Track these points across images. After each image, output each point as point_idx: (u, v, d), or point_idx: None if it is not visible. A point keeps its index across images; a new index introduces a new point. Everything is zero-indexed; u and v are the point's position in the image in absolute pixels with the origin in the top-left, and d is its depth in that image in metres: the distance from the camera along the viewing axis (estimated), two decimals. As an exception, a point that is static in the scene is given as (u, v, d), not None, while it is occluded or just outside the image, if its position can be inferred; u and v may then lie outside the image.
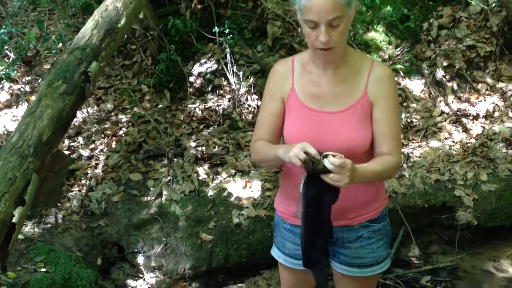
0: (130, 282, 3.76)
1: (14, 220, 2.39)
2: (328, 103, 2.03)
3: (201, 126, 4.56)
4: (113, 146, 4.32)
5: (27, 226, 3.60)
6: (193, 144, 4.35)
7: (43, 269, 3.20)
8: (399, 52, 4.99)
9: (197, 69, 4.81)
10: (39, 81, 4.83)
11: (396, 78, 4.65)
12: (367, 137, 2.02)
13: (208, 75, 4.76)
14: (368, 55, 4.70)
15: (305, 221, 1.95)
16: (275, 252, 2.35)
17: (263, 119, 2.15)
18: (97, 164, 4.19)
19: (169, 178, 4.06)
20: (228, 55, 4.66)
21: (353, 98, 2.01)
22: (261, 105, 2.18)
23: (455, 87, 4.82)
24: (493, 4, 4.85)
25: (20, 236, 3.41)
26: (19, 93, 4.80)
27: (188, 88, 4.76)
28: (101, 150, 4.30)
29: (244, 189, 4.00)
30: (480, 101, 4.70)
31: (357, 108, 2.01)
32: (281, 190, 2.29)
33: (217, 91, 4.74)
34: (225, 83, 4.73)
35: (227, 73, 4.67)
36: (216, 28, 4.68)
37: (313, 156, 1.82)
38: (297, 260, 2.21)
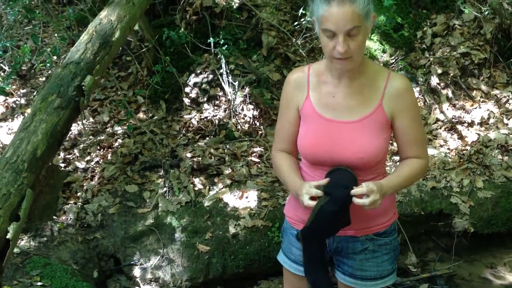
0: (127, 294, 3.76)
1: (8, 236, 2.38)
2: (342, 113, 2.04)
3: (197, 137, 4.56)
4: (109, 158, 4.32)
5: (23, 239, 3.59)
6: (189, 154, 4.35)
7: (39, 283, 3.19)
8: (393, 61, 5.01)
9: (192, 79, 4.82)
10: (34, 94, 4.83)
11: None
12: (380, 148, 2.02)
13: (203, 86, 4.78)
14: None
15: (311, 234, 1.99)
16: (281, 258, 2.34)
17: (281, 127, 2.19)
18: (93, 176, 4.19)
19: (165, 189, 4.06)
20: (223, 65, 4.67)
21: (367, 110, 2.02)
22: (278, 112, 2.22)
23: (450, 94, 4.83)
24: (486, 12, 4.87)
25: (16, 250, 3.40)
26: (14, 106, 4.80)
27: (184, 99, 4.77)
28: (97, 162, 4.30)
29: (240, 200, 4.00)
30: (475, 108, 4.72)
31: (371, 119, 2.01)
32: (291, 196, 2.29)
33: (212, 102, 4.75)
34: (220, 93, 4.74)
35: (223, 83, 4.68)
36: (211, 38, 4.70)
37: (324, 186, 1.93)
38: (301, 266, 2.21)
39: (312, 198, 1.93)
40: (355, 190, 1.89)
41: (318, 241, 2.04)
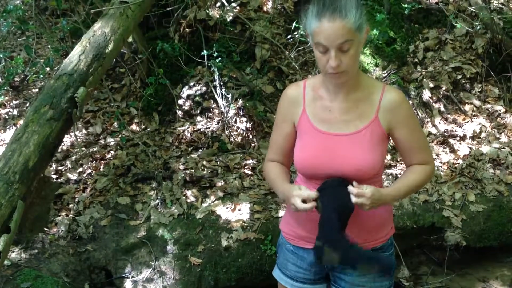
0: (118, 307, 3.72)
1: (-1, 247, 2.37)
2: (339, 127, 2.05)
3: (190, 149, 4.56)
4: (101, 169, 4.30)
5: (13, 251, 3.56)
6: (181, 167, 4.34)
7: (29, 296, 3.17)
8: (386, 74, 5.04)
9: (186, 91, 4.83)
10: (27, 105, 4.82)
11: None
12: (376, 160, 2.04)
13: (197, 98, 4.78)
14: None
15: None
16: (276, 273, 2.33)
17: (275, 139, 2.22)
18: (85, 188, 4.17)
19: (157, 201, 4.05)
20: (216, 77, 4.69)
21: (363, 123, 2.04)
22: (273, 125, 2.24)
23: (442, 108, 4.86)
24: (478, 27, 4.92)
25: (6, 262, 3.37)
26: (6, 117, 4.79)
27: (177, 111, 4.77)
28: (89, 174, 4.28)
29: (233, 212, 3.99)
30: (467, 122, 4.74)
31: (367, 132, 2.03)
32: (287, 211, 2.30)
33: (206, 114, 4.75)
34: (214, 105, 4.75)
35: (216, 96, 4.69)
36: (204, 51, 4.72)
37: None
38: (298, 282, 2.23)
39: (303, 202, 1.95)
40: (351, 188, 1.93)
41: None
